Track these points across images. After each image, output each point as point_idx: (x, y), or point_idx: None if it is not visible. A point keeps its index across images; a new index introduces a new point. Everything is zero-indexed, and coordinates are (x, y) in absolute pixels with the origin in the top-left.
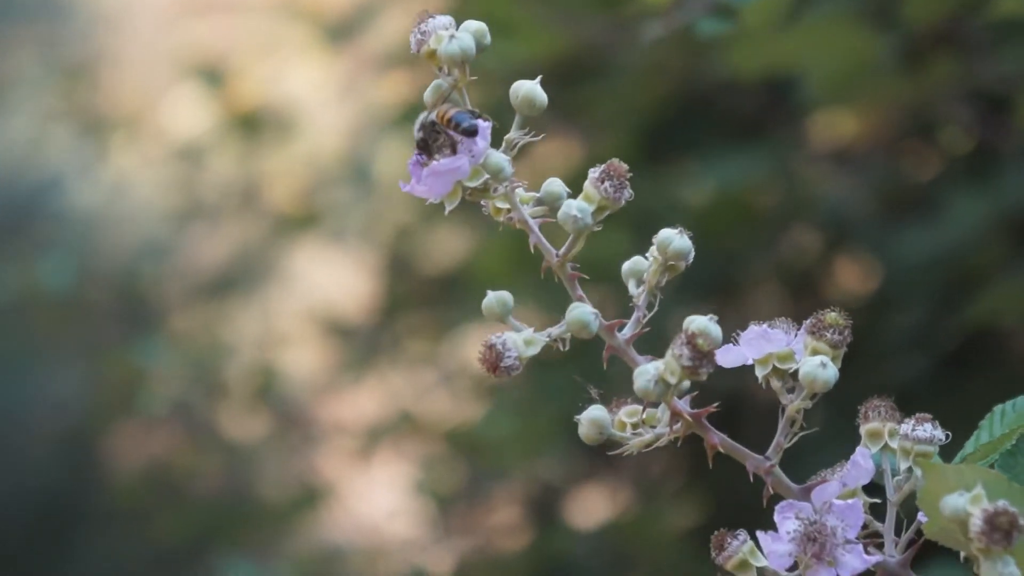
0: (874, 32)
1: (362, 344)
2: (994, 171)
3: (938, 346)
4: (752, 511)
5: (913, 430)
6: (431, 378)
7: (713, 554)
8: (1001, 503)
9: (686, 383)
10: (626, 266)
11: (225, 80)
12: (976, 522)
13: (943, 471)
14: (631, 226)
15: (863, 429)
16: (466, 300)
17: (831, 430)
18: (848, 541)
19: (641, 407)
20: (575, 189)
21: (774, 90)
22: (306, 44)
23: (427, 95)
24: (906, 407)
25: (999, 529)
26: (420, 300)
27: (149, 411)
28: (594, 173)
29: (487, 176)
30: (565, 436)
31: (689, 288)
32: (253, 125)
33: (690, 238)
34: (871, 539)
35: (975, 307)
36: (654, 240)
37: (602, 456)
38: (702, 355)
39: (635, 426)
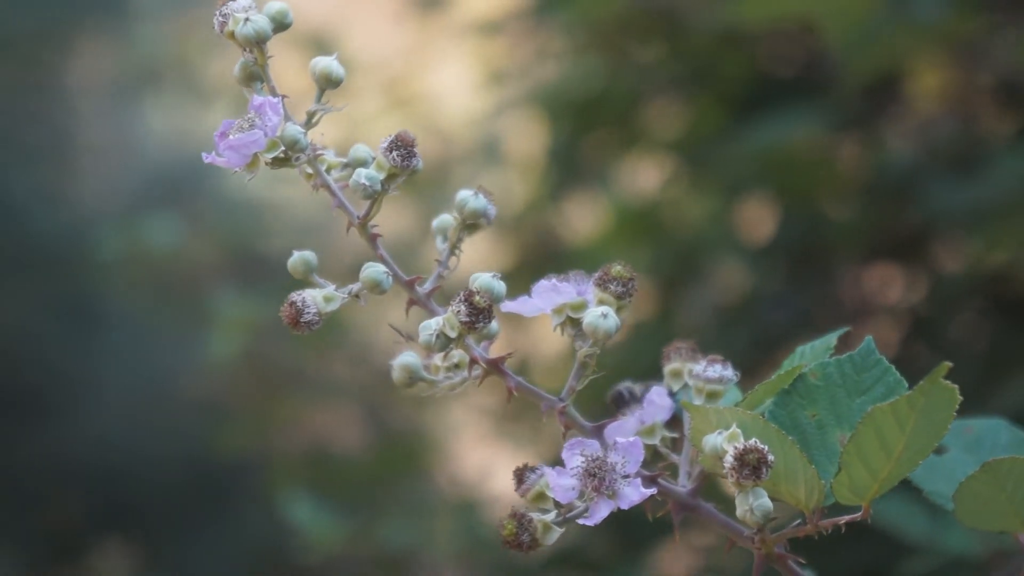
0: None
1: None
2: None
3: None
4: None
5: (705, 370)
6: None
7: (514, 486)
8: (752, 441)
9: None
10: (435, 223)
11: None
12: (728, 459)
13: (706, 412)
14: (722, 189)
15: (665, 369)
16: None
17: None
18: (628, 475)
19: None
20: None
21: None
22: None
23: (235, 71)
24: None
25: (748, 465)
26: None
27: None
28: (383, 143)
29: (283, 148)
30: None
31: (776, 253)
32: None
33: (487, 197)
34: (667, 470)
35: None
36: (454, 199)
37: None
38: (479, 311)
39: (448, 369)
